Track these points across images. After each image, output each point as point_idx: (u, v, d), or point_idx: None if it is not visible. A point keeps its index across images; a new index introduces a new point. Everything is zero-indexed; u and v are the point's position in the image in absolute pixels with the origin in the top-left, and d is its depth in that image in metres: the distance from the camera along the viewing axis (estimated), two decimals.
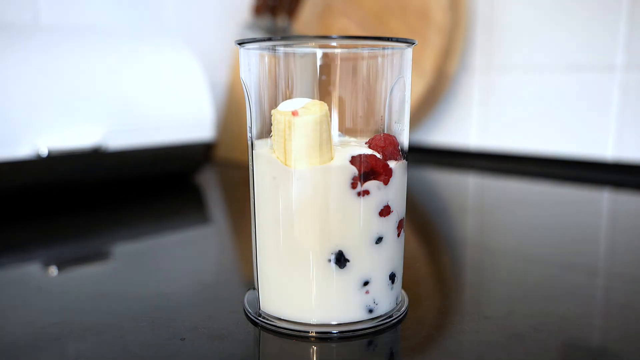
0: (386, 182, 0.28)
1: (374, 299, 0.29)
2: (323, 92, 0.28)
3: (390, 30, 0.84)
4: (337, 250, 0.28)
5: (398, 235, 0.30)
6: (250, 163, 0.30)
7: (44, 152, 0.53)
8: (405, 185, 0.30)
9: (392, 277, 0.30)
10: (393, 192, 0.29)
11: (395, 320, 0.30)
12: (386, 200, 0.28)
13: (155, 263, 0.42)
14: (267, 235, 0.29)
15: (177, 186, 0.68)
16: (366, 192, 0.28)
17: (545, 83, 0.79)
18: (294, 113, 0.26)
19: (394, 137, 0.29)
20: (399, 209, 0.29)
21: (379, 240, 0.28)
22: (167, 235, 0.50)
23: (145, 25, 0.83)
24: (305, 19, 0.91)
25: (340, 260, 0.28)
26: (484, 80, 0.85)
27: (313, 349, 0.27)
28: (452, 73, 0.83)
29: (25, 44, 0.56)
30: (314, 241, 0.28)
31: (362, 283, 0.28)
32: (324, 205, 0.27)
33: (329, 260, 0.28)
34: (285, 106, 0.27)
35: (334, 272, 0.28)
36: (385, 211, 0.28)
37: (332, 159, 0.27)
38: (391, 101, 0.29)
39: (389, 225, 0.29)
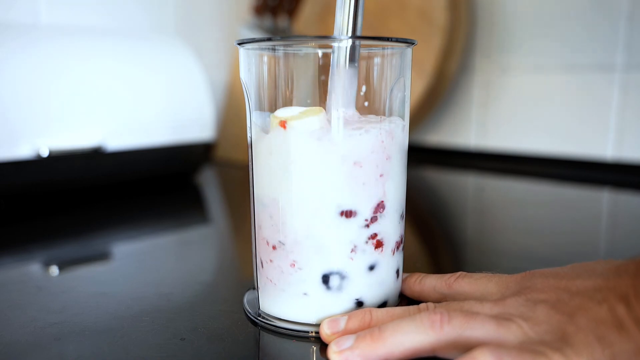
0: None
1: None
2: (323, 92, 0.28)
3: (390, 30, 0.84)
4: (328, 270, 0.28)
5: (397, 249, 0.30)
6: (250, 162, 0.30)
7: (44, 152, 0.53)
8: (403, 217, 0.30)
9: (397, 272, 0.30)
10: (386, 225, 0.29)
11: None
12: (379, 232, 0.28)
13: (155, 263, 0.42)
14: (268, 235, 0.29)
15: (177, 186, 0.68)
16: (352, 214, 0.28)
17: (545, 83, 0.79)
18: (284, 122, 0.26)
19: None
20: (392, 239, 0.29)
21: (371, 267, 0.29)
22: (167, 235, 0.50)
23: (145, 25, 0.83)
24: (305, 19, 0.90)
25: (329, 281, 0.28)
26: (484, 80, 0.85)
27: (313, 349, 0.27)
28: (452, 73, 0.83)
29: (25, 44, 0.56)
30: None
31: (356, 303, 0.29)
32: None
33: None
34: (282, 112, 0.27)
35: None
36: (378, 243, 0.28)
37: None
38: (391, 101, 0.29)
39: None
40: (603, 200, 0.64)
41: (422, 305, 0.26)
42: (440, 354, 0.24)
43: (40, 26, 0.67)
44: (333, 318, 0.27)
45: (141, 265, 0.41)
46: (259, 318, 0.30)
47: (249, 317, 0.30)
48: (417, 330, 0.24)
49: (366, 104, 0.28)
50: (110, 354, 0.26)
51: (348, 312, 0.28)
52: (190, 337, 0.28)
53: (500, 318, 0.24)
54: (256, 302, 0.31)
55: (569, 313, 0.23)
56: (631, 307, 0.22)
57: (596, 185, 0.69)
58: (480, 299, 0.27)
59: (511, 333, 0.23)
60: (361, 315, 0.27)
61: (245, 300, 0.32)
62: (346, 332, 0.26)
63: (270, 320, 0.29)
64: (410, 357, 0.24)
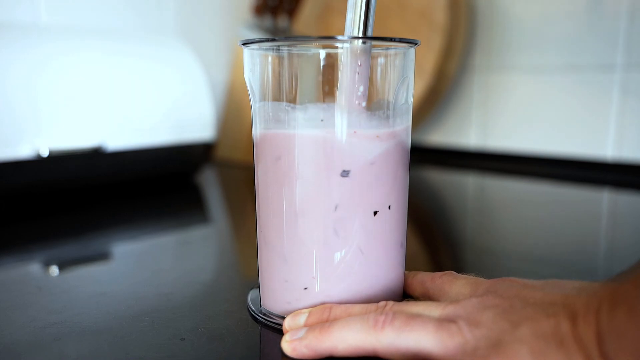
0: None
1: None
2: (327, 90, 0.28)
3: (390, 30, 0.84)
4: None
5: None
6: (254, 161, 0.30)
7: (44, 152, 0.53)
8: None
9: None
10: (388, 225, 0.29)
11: None
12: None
13: (155, 263, 0.42)
14: (270, 234, 0.29)
15: (177, 186, 0.68)
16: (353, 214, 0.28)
17: (545, 83, 0.79)
18: None
19: None
20: (394, 239, 0.29)
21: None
22: (167, 235, 0.50)
23: (145, 25, 0.83)
24: (305, 19, 0.90)
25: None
26: (484, 80, 0.85)
27: None
28: (452, 73, 0.83)
29: (25, 44, 0.56)
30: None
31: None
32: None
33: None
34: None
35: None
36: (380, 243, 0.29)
37: None
38: (395, 101, 0.29)
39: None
40: (603, 200, 0.64)
41: (381, 303, 0.27)
42: (382, 355, 0.24)
43: (40, 26, 0.67)
44: (295, 313, 0.28)
45: (141, 265, 0.41)
46: (260, 315, 0.30)
47: (252, 314, 0.30)
48: (361, 329, 0.25)
49: (363, 104, 0.28)
50: (110, 354, 0.26)
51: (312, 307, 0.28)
52: (190, 337, 0.28)
53: (444, 320, 0.24)
54: (259, 300, 0.31)
55: (515, 322, 0.23)
56: (576, 324, 0.21)
57: (596, 185, 0.69)
58: (454, 299, 0.27)
59: (449, 335, 0.23)
60: (321, 311, 0.27)
61: (249, 298, 0.32)
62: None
63: (272, 318, 0.29)
64: (352, 354, 0.25)
